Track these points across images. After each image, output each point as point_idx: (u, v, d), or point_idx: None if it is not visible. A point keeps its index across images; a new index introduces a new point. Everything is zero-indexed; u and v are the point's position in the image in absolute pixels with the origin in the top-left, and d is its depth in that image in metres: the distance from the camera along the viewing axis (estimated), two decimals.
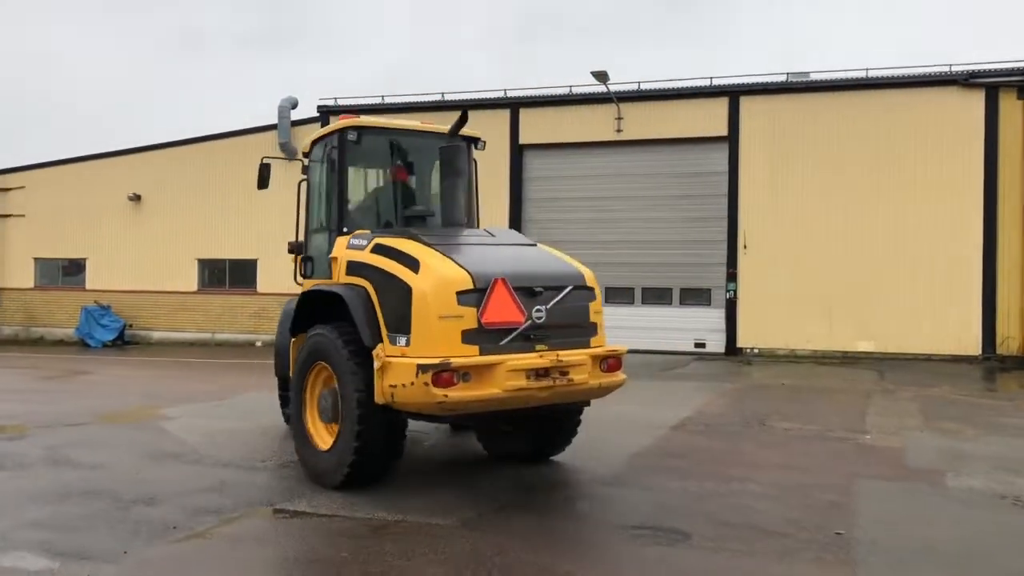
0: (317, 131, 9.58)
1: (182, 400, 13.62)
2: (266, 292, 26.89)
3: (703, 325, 23.23)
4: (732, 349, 22.62)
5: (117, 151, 29.15)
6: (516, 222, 24.23)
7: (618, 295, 23.91)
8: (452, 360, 6.75)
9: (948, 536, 6.43)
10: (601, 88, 23.20)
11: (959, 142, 20.90)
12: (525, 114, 24.69)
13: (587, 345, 7.58)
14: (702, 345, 23.15)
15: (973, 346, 20.53)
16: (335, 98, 26.49)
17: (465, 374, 6.81)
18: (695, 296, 23.48)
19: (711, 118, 23.01)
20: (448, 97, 25.35)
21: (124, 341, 27.49)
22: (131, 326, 28.03)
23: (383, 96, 26.13)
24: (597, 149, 24.18)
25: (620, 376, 7.78)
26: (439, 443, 9.99)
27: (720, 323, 22.91)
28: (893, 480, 8.26)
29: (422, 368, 6.69)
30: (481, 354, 6.94)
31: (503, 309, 7.09)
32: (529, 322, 7.19)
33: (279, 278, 26.71)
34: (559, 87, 24.55)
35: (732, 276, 22.72)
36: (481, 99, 25.05)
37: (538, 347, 7.23)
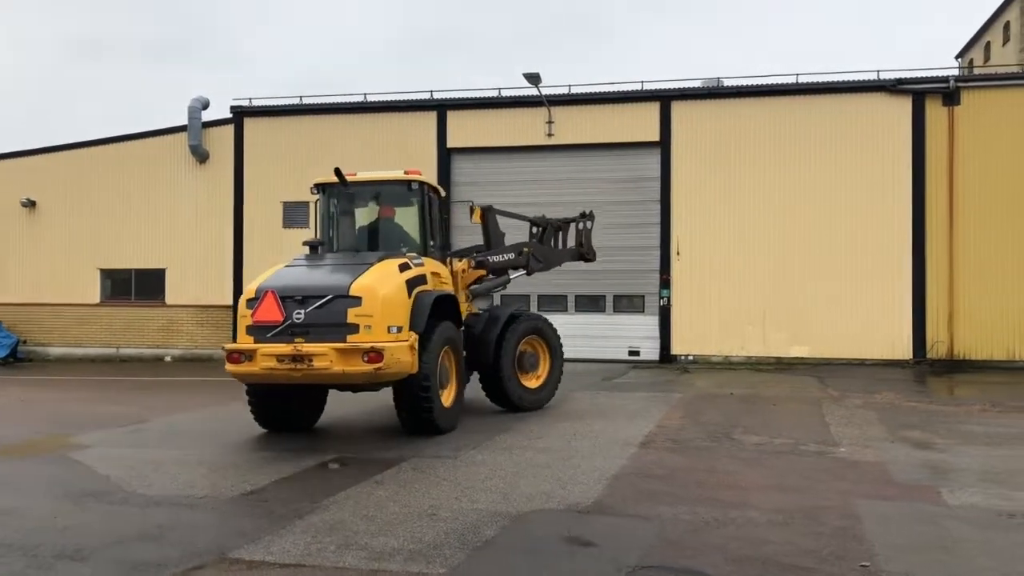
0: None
1: (95, 426, 12.27)
2: (175, 304, 25.31)
3: (637, 333, 22.87)
4: (666, 357, 22.32)
5: (7, 153, 26.97)
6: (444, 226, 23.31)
7: (551, 303, 23.32)
8: (225, 346, 10.19)
9: (983, 565, 5.94)
10: (531, 91, 22.62)
11: (888, 148, 21.12)
12: (453, 116, 23.88)
13: (343, 340, 9.65)
14: (636, 353, 22.78)
15: (904, 350, 20.73)
16: (250, 99, 25.14)
17: (249, 355, 9.85)
18: (628, 303, 23.11)
19: (643, 123, 22.69)
20: (371, 98, 24.40)
21: (17, 358, 25.38)
22: (25, 342, 25.95)
23: (301, 97, 24.97)
24: (528, 153, 23.59)
25: (367, 367, 9.54)
26: (407, 466, 9.08)
27: (654, 330, 22.59)
28: (890, 499, 7.81)
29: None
30: (255, 343, 9.90)
31: (267, 312, 9.87)
32: (289, 321, 9.78)
33: (189, 289, 25.20)
34: (488, 89, 23.92)
35: (666, 283, 22.43)
36: (407, 100, 24.22)
37: (296, 340, 9.70)
